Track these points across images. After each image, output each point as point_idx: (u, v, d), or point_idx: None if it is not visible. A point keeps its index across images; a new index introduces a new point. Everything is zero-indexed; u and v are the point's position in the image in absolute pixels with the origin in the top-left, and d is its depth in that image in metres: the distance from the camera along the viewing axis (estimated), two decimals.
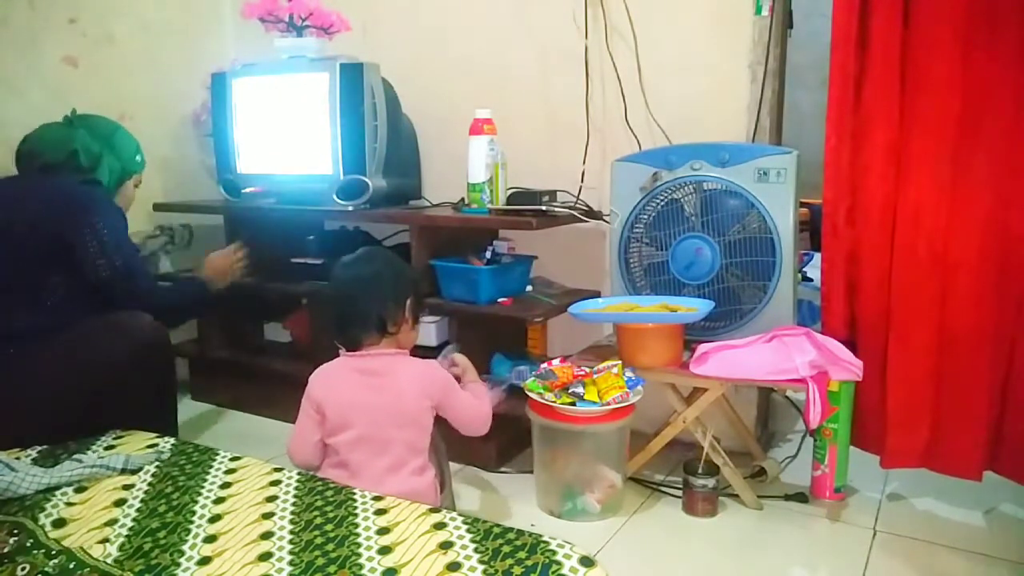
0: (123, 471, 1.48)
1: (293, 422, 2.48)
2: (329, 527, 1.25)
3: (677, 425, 1.91)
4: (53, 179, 1.90)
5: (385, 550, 1.17)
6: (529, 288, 2.26)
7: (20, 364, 1.72)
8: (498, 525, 1.22)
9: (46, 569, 1.15)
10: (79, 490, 1.42)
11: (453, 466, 2.16)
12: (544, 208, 2.07)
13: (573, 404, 1.77)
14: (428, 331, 2.28)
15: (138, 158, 2.10)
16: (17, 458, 1.53)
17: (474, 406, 1.64)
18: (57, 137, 1.96)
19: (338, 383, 1.57)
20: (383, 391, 1.54)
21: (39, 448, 1.61)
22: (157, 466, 1.51)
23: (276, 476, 1.45)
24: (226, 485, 1.42)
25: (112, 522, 1.30)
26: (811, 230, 3.48)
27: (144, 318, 1.84)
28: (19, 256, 1.79)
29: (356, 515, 1.29)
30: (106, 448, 1.61)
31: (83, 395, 1.73)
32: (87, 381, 1.74)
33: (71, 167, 1.92)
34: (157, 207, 2.60)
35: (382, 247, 2.10)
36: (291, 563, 1.16)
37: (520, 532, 1.19)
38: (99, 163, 1.97)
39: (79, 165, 1.93)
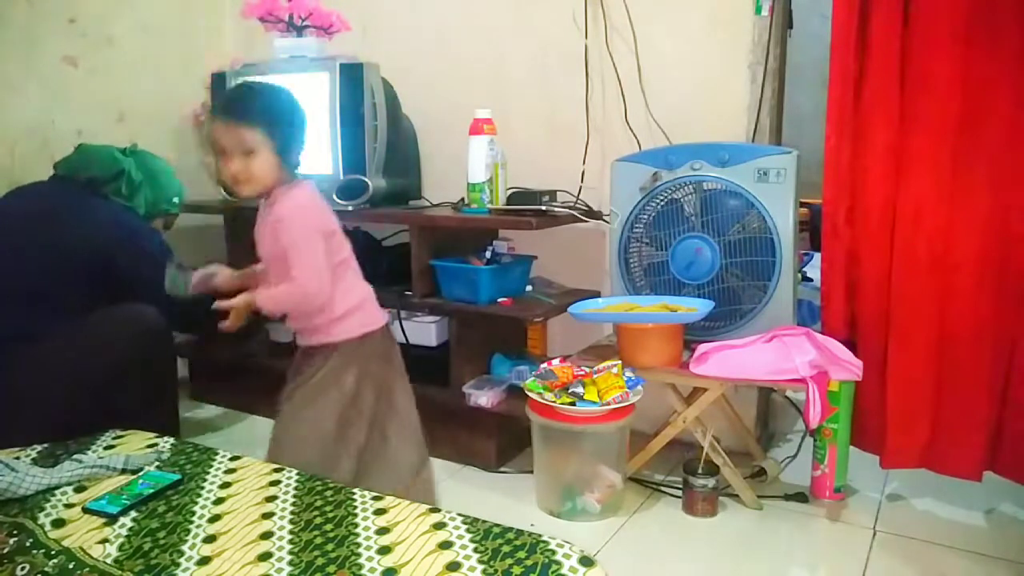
0: (123, 471, 1.48)
1: None
2: (329, 527, 1.25)
3: (677, 425, 1.91)
4: (105, 202, 1.97)
5: (385, 550, 1.17)
6: (529, 288, 2.26)
7: (26, 359, 1.74)
8: (498, 525, 1.22)
9: (45, 569, 1.15)
10: (79, 490, 1.42)
11: (453, 466, 2.17)
12: (544, 208, 2.07)
13: (573, 404, 1.77)
14: (428, 331, 2.28)
15: (176, 200, 2.18)
16: (17, 458, 1.53)
17: None
18: (109, 157, 2.03)
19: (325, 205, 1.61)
20: None
21: (39, 448, 1.61)
22: (157, 466, 1.51)
23: (276, 476, 1.45)
24: (226, 485, 1.42)
25: (112, 522, 1.29)
26: (811, 230, 3.48)
27: (146, 309, 1.88)
28: (65, 268, 1.83)
29: (356, 515, 1.29)
30: (106, 448, 1.61)
31: (87, 385, 1.76)
32: (90, 371, 1.77)
33: (114, 188, 2.00)
34: None
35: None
36: (291, 563, 1.16)
37: (520, 532, 1.19)
38: (137, 192, 2.05)
39: (120, 188, 2.00)
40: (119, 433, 1.70)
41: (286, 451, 1.58)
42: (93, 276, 1.86)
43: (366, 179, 2.23)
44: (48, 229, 1.87)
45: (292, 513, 1.31)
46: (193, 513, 1.32)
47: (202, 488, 1.41)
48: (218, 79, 2.46)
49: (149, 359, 1.89)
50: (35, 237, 1.86)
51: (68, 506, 1.36)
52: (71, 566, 1.16)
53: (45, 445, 1.63)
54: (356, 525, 1.25)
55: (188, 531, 1.26)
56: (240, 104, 1.50)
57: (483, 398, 2.10)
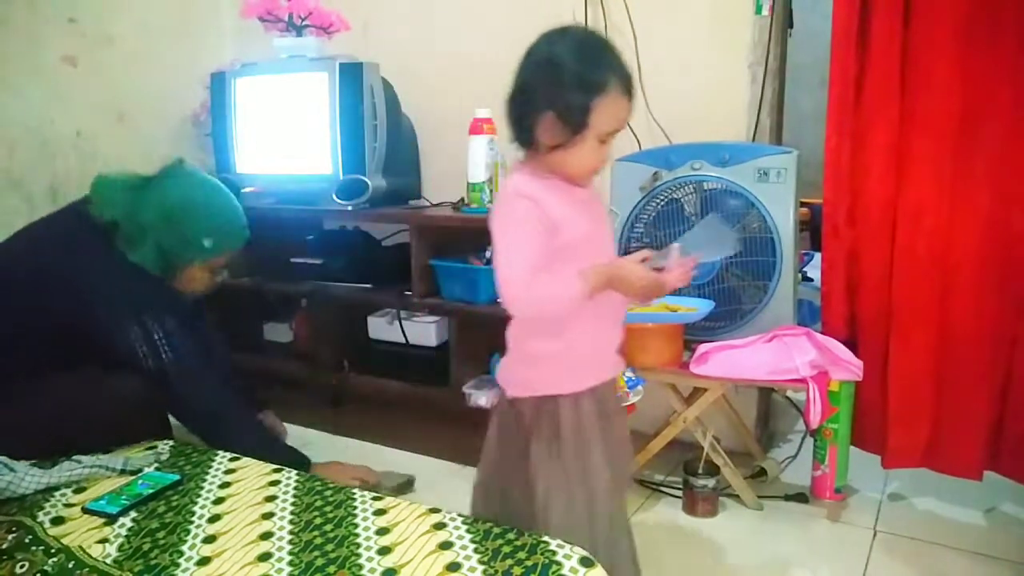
0: (122, 472, 1.48)
1: (291, 422, 2.48)
2: (329, 527, 1.25)
3: (677, 425, 1.90)
4: (101, 256, 1.64)
5: (385, 550, 1.17)
6: None
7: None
8: (498, 525, 1.22)
9: (45, 568, 1.15)
10: (78, 490, 1.42)
11: (453, 466, 2.16)
12: None
13: None
14: (427, 331, 2.28)
15: (207, 243, 1.71)
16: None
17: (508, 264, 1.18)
18: (110, 197, 1.68)
19: None
20: None
21: None
22: (156, 467, 1.51)
23: (275, 476, 1.45)
24: (225, 485, 1.42)
25: (111, 522, 1.29)
26: (811, 230, 3.47)
27: (131, 381, 1.63)
28: (39, 328, 1.62)
29: (355, 515, 1.28)
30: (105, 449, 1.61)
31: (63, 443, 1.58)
32: (71, 438, 1.58)
33: (120, 237, 1.65)
34: None
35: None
36: (290, 563, 1.16)
37: (520, 532, 1.19)
38: (142, 242, 1.64)
39: (124, 236, 1.64)
40: None
41: None
42: (63, 343, 1.61)
43: (366, 179, 2.23)
44: (36, 284, 1.61)
45: (292, 513, 1.31)
46: (193, 513, 1.32)
47: (202, 488, 1.41)
48: (218, 79, 2.46)
49: (134, 429, 1.66)
50: (24, 288, 1.62)
51: (68, 506, 1.36)
52: (71, 565, 1.16)
53: None
54: (356, 526, 1.25)
55: (188, 531, 1.26)
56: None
57: (483, 398, 2.10)
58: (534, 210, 1.16)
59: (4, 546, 1.20)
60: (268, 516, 1.30)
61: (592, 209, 1.24)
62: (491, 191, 2.11)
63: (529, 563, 1.11)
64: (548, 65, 1.18)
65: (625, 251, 2.02)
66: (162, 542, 1.23)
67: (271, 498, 1.36)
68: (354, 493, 1.37)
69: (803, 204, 1.98)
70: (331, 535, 1.23)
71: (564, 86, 1.15)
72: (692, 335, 1.93)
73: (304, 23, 2.37)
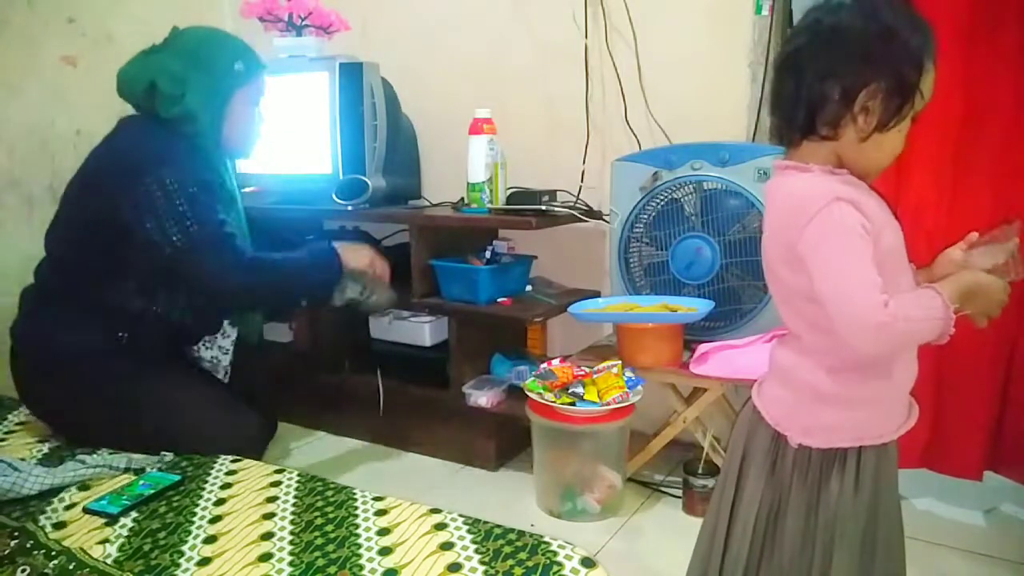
0: (126, 471, 1.49)
1: (292, 423, 2.48)
2: (329, 528, 1.25)
3: (677, 425, 1.91)
4: (114, 139, 1.67)
5: (386, 551, 1.17)
6: (529, 288, 2.26)
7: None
8: (499, 526, 1.22)
9: (46, 571, 1.15)
10: (81, 490, 1.42)
11: (453, 466, 2.17)
12: (544, 208, 2.07)
13: (573, 404, 1.77)
14: (423, 331, 2.28)
15: (238, 66, 1.72)
16: (22, 458, 1.53)
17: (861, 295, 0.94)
18: (133, 71, 1.68)
19: None
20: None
21: (44, 448, 1.61)
22: (158, 467, 1.51)
23: (276, 477, 1.45)
24: (226, 486, 1.42)
25: (112, 522, 1.29)
26: None
27: (250, 418, 1.68)
28: (75, 231, 1.64)
29: (357, 516, 1.29)
30: (111, 450, 1.61)
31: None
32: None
33: (164, 106, 1.63)
34: None
35: None
36: (291, 564, 1.16)
37: (521, 533, 1.19)
38: (186, 87, 1.63)
39: (165, 96, 1.62)
40: None
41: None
42: (102, 241, 1.60)
43: (366, 179, 2.22)
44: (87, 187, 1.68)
45: (293, 514, 1.31)
46: (194, 514, 1.32)
47: (203, 489, 1.41)
48: None
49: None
50: (75, 197, 1.69)
51: (69, 507, 1.36)
52: (71, 567, 1.16)
53: (56, 444, 1.63)
54: (357, 526, 1.25)
55: (189, 532, 1.26)
56: None
57: (483, 398, 2.10)
58: (856, 216, 0.96)
59: (6, 552, 1.20)
60: (269, 516, 1.30)
61: (889, 211, 1.04)
62: (491, 191, 2.11)
63: (530, 563, 1.11)
64: (875, 29, 0.97)
65: (625, 251, 2.03)
66: (163, 542, 1.23)
67: (272, 499, 1.36)
68: (355, 493, 1.37)
69: None
70: (332, 536, 1.23)
71: (899, 50, 0.96)
72: (692, 335, 1.93)
73: (304, 23, 2.37)
